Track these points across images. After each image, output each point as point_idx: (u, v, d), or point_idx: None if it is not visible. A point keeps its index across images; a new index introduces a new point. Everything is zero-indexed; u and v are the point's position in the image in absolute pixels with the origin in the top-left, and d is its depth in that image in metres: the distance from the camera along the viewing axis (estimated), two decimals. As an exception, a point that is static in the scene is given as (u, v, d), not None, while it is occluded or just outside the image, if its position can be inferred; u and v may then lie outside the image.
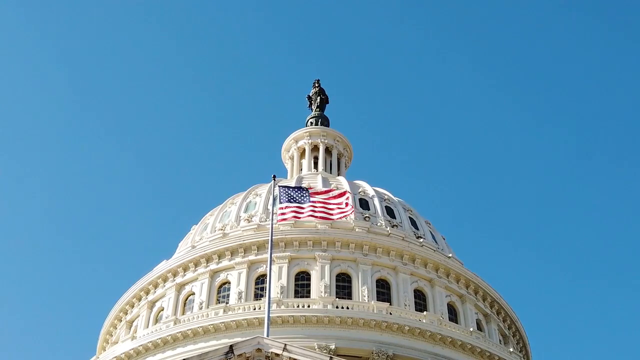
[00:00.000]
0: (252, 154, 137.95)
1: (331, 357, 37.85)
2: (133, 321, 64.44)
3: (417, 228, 68.08)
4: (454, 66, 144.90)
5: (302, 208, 45.97)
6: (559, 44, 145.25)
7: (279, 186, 48.16)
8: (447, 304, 61.31)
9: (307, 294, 58.03)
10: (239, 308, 55.35)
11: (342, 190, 48.86)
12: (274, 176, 50.20)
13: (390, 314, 54.96)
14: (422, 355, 53.44)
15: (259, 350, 36.52)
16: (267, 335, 38.69)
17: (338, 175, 76.36)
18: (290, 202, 46.03)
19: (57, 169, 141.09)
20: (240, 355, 36.46)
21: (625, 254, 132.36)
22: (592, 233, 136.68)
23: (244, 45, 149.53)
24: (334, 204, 46.64)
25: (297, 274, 59.65)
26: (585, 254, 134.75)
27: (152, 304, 63.52)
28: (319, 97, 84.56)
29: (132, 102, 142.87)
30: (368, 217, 65.67)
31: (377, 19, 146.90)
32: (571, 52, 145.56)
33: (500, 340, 63.11)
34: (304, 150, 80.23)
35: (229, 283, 60.51)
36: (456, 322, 60.12)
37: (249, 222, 65.49)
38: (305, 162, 79.27)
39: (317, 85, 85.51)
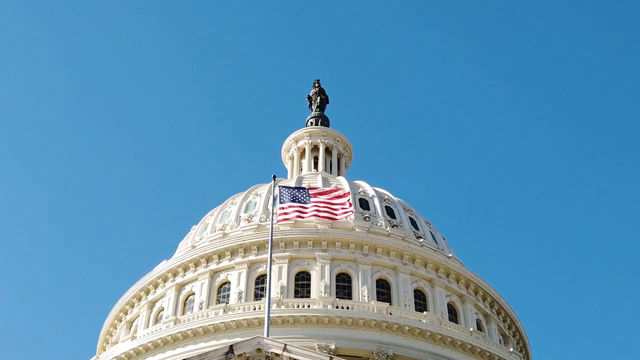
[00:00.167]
0: (252, 154, 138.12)
1: (331, 357, 37.85)
2: (133, 321, 64.45)
3: (417, 228, 68.10)
4: (454, 66, 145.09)
5: (306, 208, 45.96)
6: (559, 44, 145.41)
7: (280, 186, 48.12)
8: (447, 304, 61.32)
9: (307, 294, 58.03)
10: (239, 308, 55.35)
11: (346, 191, 48.81)
12: (274, 176, 50.19)
13: (390, 314, 54.96)
14: (422, 355, 53.43)
15: (259, 350, 36.52)
16: (267, 335, 38.68)
17: (338, 175, 76.37)
18: (294, 201, 46.03)
19: (58, 169, 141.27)
20: (240, 355, 36.46)
21: (625, 254, 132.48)
22: (592, 233, 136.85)
23: (244, 46, 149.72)
24: (337, 203, 46.67)
25: (297, 274, 59.66)
26: (585, 254, 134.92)
27: (152, 304, 63.53)
28: (319, 97, 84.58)
29: (132, 102, 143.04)
30: (368, 217, 65.69)
31: (377, 19, 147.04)
32: (571, 52, 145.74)
33: (500, 340, 63.12)
34: (304, 150, 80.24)
35: (229, 283, 60.52)
36: (456, 322, 60.12)
37: (249, 222, 65.51)
38: (305, 162, 79.28)
39: (317, 85, 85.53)
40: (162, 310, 62.22)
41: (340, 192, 47.58)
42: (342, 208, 46.59)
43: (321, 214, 46.65)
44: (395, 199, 70.80)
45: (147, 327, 61.24)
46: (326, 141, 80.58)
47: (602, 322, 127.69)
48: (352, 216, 58.83)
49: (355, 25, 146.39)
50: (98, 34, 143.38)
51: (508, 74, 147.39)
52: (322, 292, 57.47)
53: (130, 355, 56.25)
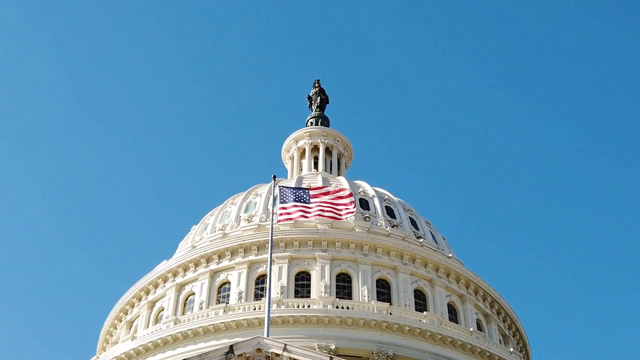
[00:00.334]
0: (252, 154, 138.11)
1: (331, 357, 37.86)
2: (133, 321, 64.46)
3: (417, 228, 68.10)
4: (454, 66, 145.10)
5: (309, 207, 45.99)
6: (559, 44, 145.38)
7: (281, 186, 48.13)
8: (447, 304, 61.32)
9: (307, 294, 58.04)
10: (239, 308, 55.35)
11: (349, 192, 48.80)
12: (274, 176, 50.19)
13: (391, 314, 54.96)
14: (422, 355, 53.43)
15: (259, 350, 36.53)
16: (267, 335, 38.68)
17: (338, 175, 76.38)
18: (297, 201, 46.04)
19: (58, 169, 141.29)
20: (240, 355, 36.47)
21: (625, 254, 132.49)
22: (592, 233, 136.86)
23: (244, 46, 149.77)
24: (341, 204, 46.70)
25: (297, 274, 59.66)
26: (585, 254, 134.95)
27: (152, 304, 63.54)
28: (319, 97, 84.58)
29: (133, 102, 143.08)
30: (368, 217, 65.69)
31: (377, 19, 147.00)
32: (571, 52, 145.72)
33: (500, 340, 63.12)
34: (304, 150, 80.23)
35: (229, 283, 60.52)
36: (456, 322, 60.12)
37: (249, 222, 65.51)
38: (305, 162, 79.27)
39: (317, 85, 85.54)
40: (162, 310, 62.23)
41: (343, 193, 47.59)
42: (346, 208, 46.64)
43: (325, 214, 46.65)
44: (395, 199, 70.81)
45: (147, 327, 61.24)
46: (326, 141, 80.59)
47: (602, 322, 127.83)
48: (353, 216, 58.82)
49: (355, 25, 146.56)
50: (98, 34, 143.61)
51: (508, 74, 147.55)
52: (322, 292, 57.48)
53: (130, 355, 56.25)
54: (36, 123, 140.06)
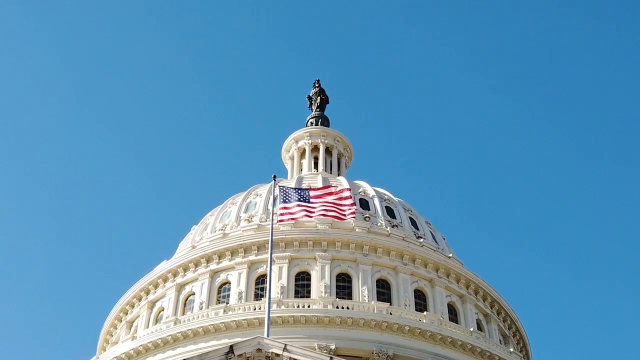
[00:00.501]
0: (252, 154, 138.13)
1: (331, 357, 37.90)
2: (133, 321, 64.46)
3: (417, 228, 68.11)
4: (454, 66, 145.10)
5: (313, 207, 46.06)
6: (559, 44, 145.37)
7: (281, 186, 48.17)
8: (447, 304, 61.32)
9: (308, 294, 58.04)
10: (239, 308, 55.35)
11: (349, 192, 48.83)
12: (274, 176, 50.26)
13: (391, 314, 54.96)
14: (422, 355, 53.43)
15: (259, 350, 36.54)
16: (267, 336, 38.70)
17: (338, 176, 76.37)
18: (301, 201, 46.10)
19: (58, 169, 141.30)
20: (240, 355, 36.48)
21: (625, 254, 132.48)
22: (592, 233, 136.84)
23: (244, 46, 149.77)
24: (344, 204, 46.77)
25: (297, 274, 59.66)
26: (585, 254, 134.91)
27: (153, 304, 63.54)
28: (319, 97, 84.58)
29: (133, 102, 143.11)
30: (368, 217, 65.70)
31: (377, 19, 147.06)
32: (571, 52, 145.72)
33: (500, 340, 63.11)
34: (304, 150, 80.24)
35: (229, 283, 60.52)
36: (456, 322, 60.12)
37: (249, 222, 65.52)
38: (305, 162, 79.28)
39: (317, 85, 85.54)
40: (162, 310, 62.23)
41: (344, 194, 47.65)
42: (349, 208, 46.74)
43: (329, 214, 46.72)
44: (395, 199, 70.82)
45: (148, 327, 61.25)
46: (326, 141, 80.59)
47: (602, 322, 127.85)
48: (353, 216, 58.81)
49: (355, 25, 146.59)
50: (98, 34, 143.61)
51: (508, 74, 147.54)
52: (322, 292, 57.48)
53: (130, 355, 56.25)
54: (36, 123, 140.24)
